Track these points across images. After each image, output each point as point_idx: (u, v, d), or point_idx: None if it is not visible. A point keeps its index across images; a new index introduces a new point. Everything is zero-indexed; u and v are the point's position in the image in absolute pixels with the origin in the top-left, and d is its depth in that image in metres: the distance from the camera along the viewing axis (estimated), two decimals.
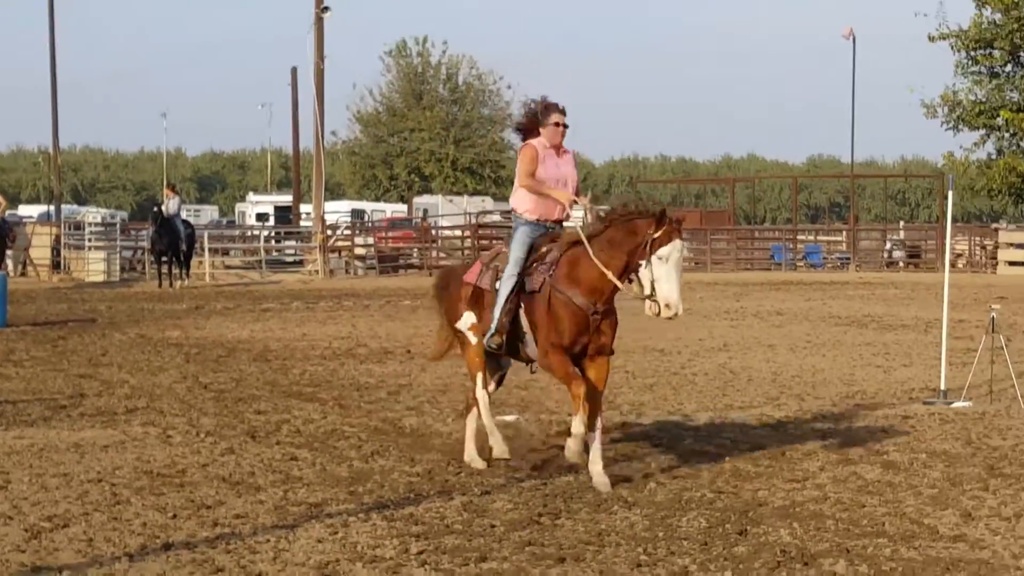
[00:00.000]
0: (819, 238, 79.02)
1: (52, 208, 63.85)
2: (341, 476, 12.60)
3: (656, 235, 10.98)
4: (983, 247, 62.57)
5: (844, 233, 76.33)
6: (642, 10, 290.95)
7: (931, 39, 61.99)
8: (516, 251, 11.73)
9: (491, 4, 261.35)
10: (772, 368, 21.79)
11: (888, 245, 69.70)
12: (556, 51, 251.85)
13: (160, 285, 44.45)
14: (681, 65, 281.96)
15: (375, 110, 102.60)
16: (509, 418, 16.12)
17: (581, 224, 11.83)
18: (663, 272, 10.97)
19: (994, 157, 61.60)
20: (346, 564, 9.49)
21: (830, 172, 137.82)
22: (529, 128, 12.09)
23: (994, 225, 61.49)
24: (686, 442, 14.66)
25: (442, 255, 63.12)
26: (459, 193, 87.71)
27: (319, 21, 57.78)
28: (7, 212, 46.82)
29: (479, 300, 12.14)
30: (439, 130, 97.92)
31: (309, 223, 60.28)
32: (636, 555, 9.77)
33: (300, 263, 58.24)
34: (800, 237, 75.95)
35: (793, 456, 13.84)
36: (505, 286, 11.66)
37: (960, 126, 61.81)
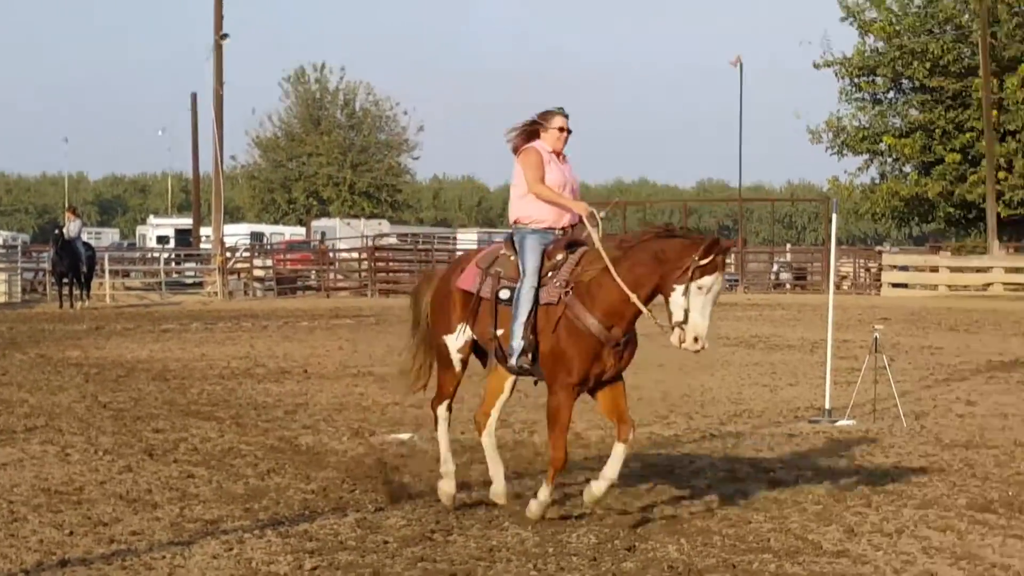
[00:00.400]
0: None
1: None
2: (237, 493, 12.54)
3: (702, 262, 9.93)
4: (867, 269, 63.07)
5: (732, 255, 77.06)
6: (532, 38, 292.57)
7: (816, 66, 62.94)
8: (530, 261, 10.53)
9: (388, 30, 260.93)
10: (662, 388, 21.87)
11: (775, 267, 70.32)
12: (449, 77, 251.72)
13: (61, 306, 44.17)
14: (572, 90, 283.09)
15: (274, 135, 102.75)
16: (404, 436, 16.11)
17: (598, 236, 10.65)
18: (700, 303, 9.99)
19: (877, 181, 62.61)
20: None
21: (719, 196, 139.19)
22: (529, 136, 10.96)
23: (878, 248, 62.41)
24: (577, 460, 14.69)
25: (339, 277, 63.01)
26: (356, 216, 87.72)
27: (218, 47, 57.70)
28: None
29: (474, 311, 10.94)
30: (337, 155, 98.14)
31: (209, 245, 60.03)
32: (527, 570, 9.79)
33: (200, 284, 57.99)
34: None
35: (681, 473, 13.93)
36: (524, 300, 10.46)
37: (844, 151, 62.81)
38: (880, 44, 60.54)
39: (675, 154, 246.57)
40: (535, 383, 11.32)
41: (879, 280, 58.47)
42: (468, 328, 11.01)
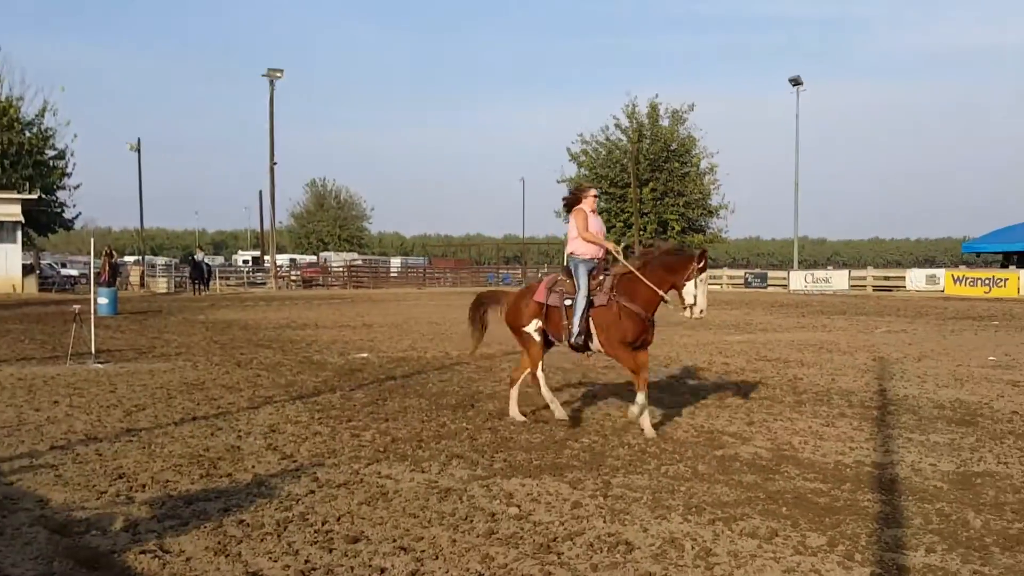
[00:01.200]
0: (510, 271, 79.39)
1: None
2: (281, 383, 12.11)
3: (700, 265, 8.60)
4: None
5: (520, 269, 76.99)
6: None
7: (558, 182, 63.53)
8: (582, 280, 8.98)
9: (356, 156, 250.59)
10: (487, 329, 21.65)
11: (541, 275, 70.64)
12: (390, 181, 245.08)
13: (193, 294, 42.86)
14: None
15: (300, 211, 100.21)
16: (364, 355, 15.78)
17: (625, 259, 9.08)
18: (702, 289, 8.61)
19: None
20: (284, 426, 9.13)
21: (516, 242, 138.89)
22: (573, 202, 9.40)
23: None
24: (441, 361, 14.46)
25: (332, 280, 61.93)
26: (342, 250, 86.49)
27: (272, 169, 55.95)
28: None
29: (544, 313, 9.27)
30: (331, 221, 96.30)
31: (268, 264, 59.18)
32: (419, 417, 9.59)
33: (264, 283, 57.01)
34: (501, 271, 76.25)
35: (496, 367, 13.74)
36: (580, 303, 8.91)
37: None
38: (585, 172, 61.41)
39: (506, 223, 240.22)
40: (588, 356, 9.57)
41: None
42: (540, 322, 9.29)
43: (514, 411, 9.56)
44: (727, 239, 66.43)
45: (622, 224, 60.39)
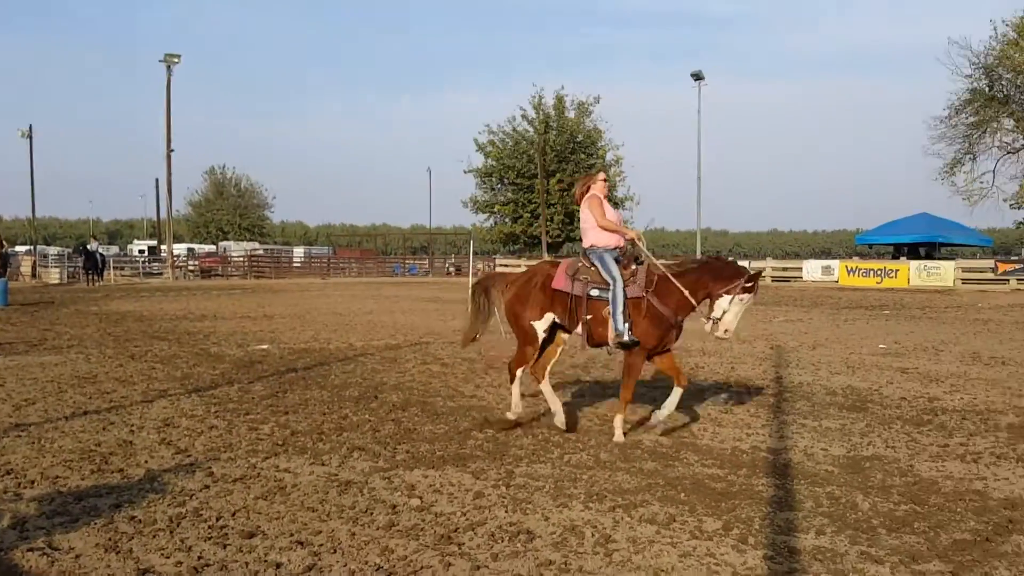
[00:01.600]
0: (417, 262, 78.87)
1: None
2: (177, 376, 11.81)
3: (748, 285, 7.96)
4: (489, 265, 64.16)
5: (427, 260, 76.64)
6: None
7: (465, 172, 63.55)
8: (613, 270, 8.09)
9: (257, 146, 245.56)
10: (393, 320, 21.56)
11: (448, 266, 70.50)
12: (291, 172, 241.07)
13: (87, 284, 41.61)
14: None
15: (199, 199, 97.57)
16: (264, 346, 15.48)
17: (663, 261, 8.43)
18: (737, 309, 7.96)
19: (493, 226, 63.51)
20: (179, 420, 8.90)
21: (423, 232, 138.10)
22: (583, 192, 8.57)
23: (496, 256, 63.06)
24: (344, 352, 14.33)
25: (232, 270, 60.54)
26: (242, 240, 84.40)
27: (168, 156, 54.31)
28: None
29: (565, 304, 8.33)
30: (231, 209, 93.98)
31: (165, 254, 57.49)
32: (319, 408, 9.47)
33: (160, 274, 55.38)
34: (408, 261, 75.69)
35: (401, 359, 13.68)
36: (620, 296, 7.97)
37: (478, 211, 63.67)
38: (492, 161, 61.67)
39: (411, 215, 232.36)
40: (609, 354, 8.64)
41: (494, 267, 59.26)
42: (554, 315, 8.42)
43: (554, 407, 8.66)
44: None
45: (529, 215, 60.85)
